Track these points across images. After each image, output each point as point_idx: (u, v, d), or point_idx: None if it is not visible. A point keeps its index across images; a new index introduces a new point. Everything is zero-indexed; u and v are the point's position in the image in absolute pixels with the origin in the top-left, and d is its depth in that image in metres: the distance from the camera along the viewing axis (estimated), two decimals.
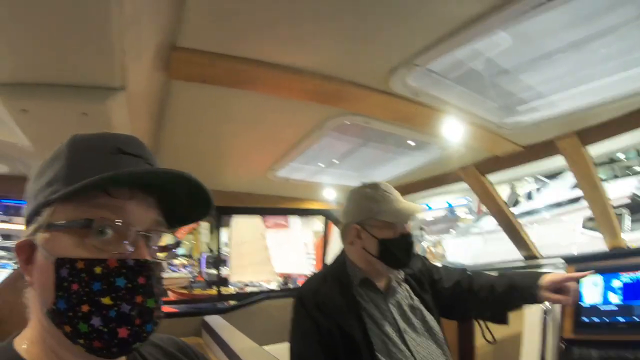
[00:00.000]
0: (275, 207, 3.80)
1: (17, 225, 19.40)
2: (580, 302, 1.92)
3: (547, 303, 1.97)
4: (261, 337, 2.58)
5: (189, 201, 0.78)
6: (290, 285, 11.38)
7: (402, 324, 1.71)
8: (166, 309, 4.62)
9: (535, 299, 1.69)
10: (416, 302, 1.80)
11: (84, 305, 0.65)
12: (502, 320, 1.85)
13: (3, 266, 14.93)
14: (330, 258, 3.80)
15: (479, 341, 2.86)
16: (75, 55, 1.14)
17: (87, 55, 1.14)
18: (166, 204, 0.78)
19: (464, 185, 2.97)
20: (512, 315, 2.46)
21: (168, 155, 2.28)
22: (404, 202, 1.78)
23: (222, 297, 3.96)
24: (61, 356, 0.70)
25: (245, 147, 2.50)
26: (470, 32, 1.34)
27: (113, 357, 0.68)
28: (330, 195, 3.60)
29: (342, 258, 1.87)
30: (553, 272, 1.71)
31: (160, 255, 0.78)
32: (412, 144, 2.59)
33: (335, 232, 4.30)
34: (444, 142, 2.32)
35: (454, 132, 2.05)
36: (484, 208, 16.67)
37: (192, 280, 12.59)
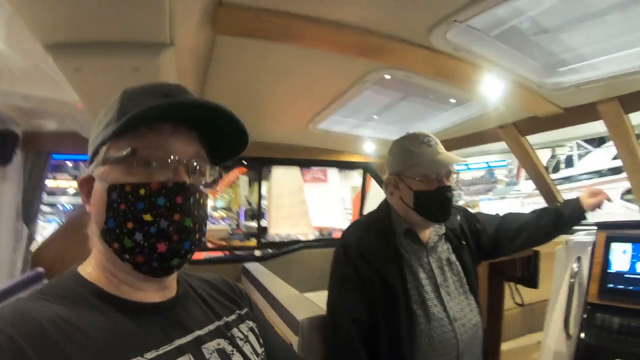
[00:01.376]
0: (315, 159, 3.89)
1: (61, 181, 19.94)
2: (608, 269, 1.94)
3: (574, 266, 1.99)
4: (299, 284, 2.70)
5: (229, 139, 0.89)
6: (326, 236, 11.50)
7: (439, 278, 1.73)
8: (202, 255, 4.74)
9: (583, 213, 2.02)
10: (454, 258, 1.82)
11: (129, 222, 0.76)
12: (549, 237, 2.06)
13: (49, 221, 15.74)
14: (367, 211, 3.87)
15: (508, 304, 2.96)
16: (126, 12, 1.19)
17: (138, 12, 1.20)
18: (211, 144, 0.89)
19: (503, 145, 2.96)
20: (541, 282, 2.52)
21: None
22: (442, 154, 1.74)
23: (262, 245, 4.11)
24: (116, 275, 0.81)
25: (287, 100, 2.57)
26: None
27: (155, 272, 0.80)
28: (370, 149, 3.65)
29: (386, 207, 1.88)
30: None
31: (205, 189, 0.87)
32: (452, 100, 2.60)
33: (373, 186, 4.38)
34: (484, 99, 2.32)
35: (493, 89, 2.05)
36: (523, 172, 16.39)
37: (231, 232, 12.84)
